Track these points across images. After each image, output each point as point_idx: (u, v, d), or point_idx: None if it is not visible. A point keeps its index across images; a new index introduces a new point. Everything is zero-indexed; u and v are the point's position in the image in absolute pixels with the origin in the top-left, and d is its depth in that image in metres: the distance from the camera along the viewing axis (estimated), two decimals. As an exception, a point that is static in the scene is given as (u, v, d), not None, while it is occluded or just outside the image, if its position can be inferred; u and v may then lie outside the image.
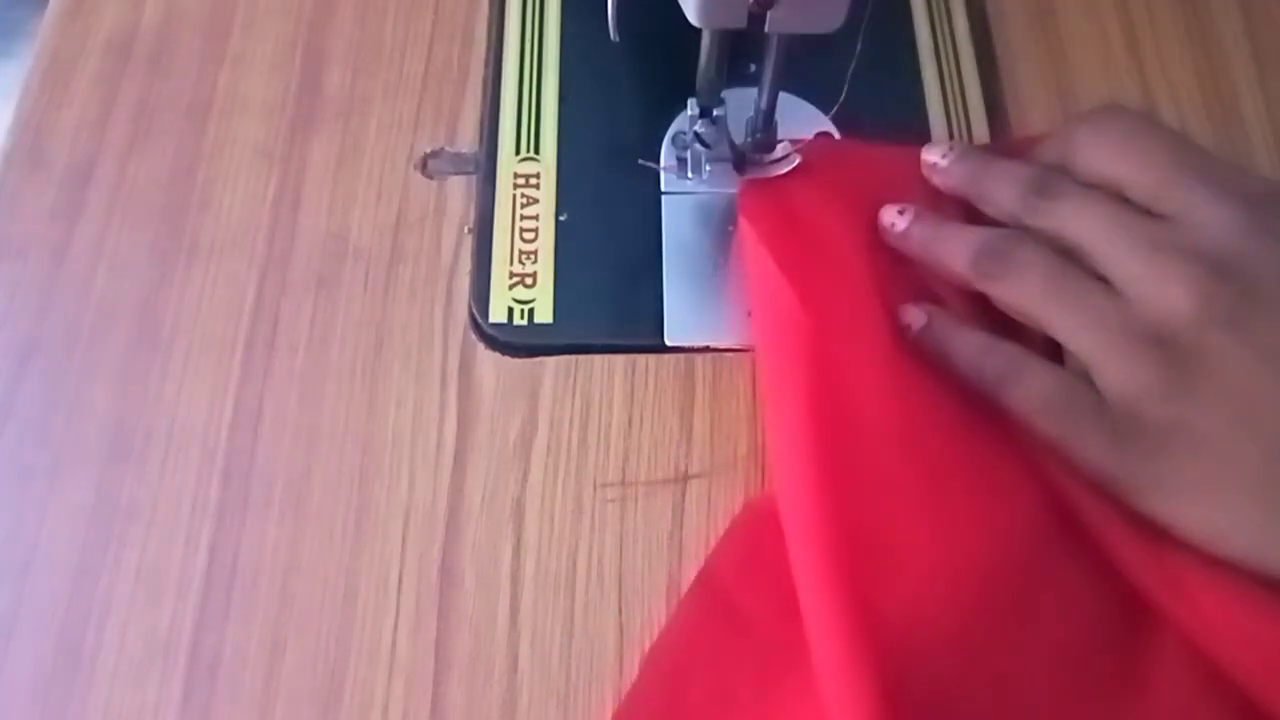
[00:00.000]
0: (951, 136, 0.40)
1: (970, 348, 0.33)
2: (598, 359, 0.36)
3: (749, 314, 0.35)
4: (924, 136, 0.40)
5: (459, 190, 0.40)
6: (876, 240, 0.35)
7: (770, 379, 0.34)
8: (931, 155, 0.36)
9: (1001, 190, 0.34)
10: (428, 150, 0.40)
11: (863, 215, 0.36)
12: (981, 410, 0.32)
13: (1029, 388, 0.31)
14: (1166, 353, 0.29)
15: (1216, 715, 0.29)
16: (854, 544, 0.30)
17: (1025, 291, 0.32)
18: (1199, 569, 0.29)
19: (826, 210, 0.36)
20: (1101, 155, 0.32)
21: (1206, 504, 0.29)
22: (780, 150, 0.37)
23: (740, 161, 0.37)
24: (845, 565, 0.29)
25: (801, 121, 0.39)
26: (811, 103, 0.40)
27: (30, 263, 0.38)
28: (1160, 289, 0.29)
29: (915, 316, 0.34)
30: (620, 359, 0.36)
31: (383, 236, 0.38)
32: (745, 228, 0.36)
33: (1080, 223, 0.31)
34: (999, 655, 0.29)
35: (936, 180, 0.36)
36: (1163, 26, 0.43)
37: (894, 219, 0.35)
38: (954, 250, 0.34)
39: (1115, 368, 0.30)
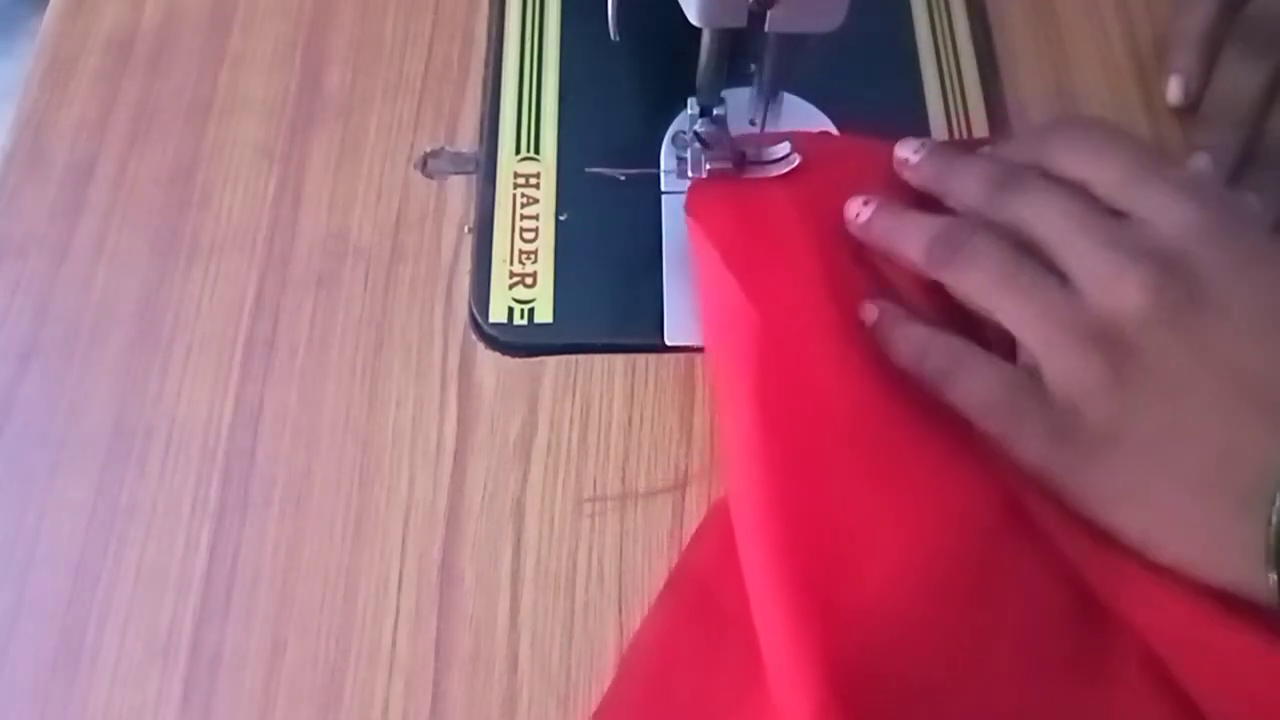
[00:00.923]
0: (951, 136, 0.40)
1: (911, 343, 0.33)
2: (598, 359, 0.36)
3: (699, 313, 0.35)
4: (923, 136, 0.40)
5: (459, 190, 0.40)
6: (836, 236, 0.35)
7: (720, 378, 0.34)
8: (904, 151, 0.36)
9: (967, 185, 0.34)
10: (428, 150, 0.40)
11: (825, 211, 0.36)
12: (938, 401, 0.32)
13: (970, 383, 0.31)
14: (1112, 350, 0.29)
15: (1173, 699, 0.29)
16: (807, 543, 0.30)
17: (977, 279, 0.32)
18: (1137, 565, 0.29)
19: (783, 206, 0.36)
20: (1071, 156, 0.32)
21: (1140, 509, 0.29)
22: (780, 149, 0.37)
23: (740, 161, 0.37)
24: (797, 564, 0.29)
25: (801, 121, 0.39)
26: (812, 102, 0.40)
27: (30, 262, 0.38)
28: (1111, 285, 0.29)
29: (869, 312, 0.34)
30: (620, 359, 0.36)
31: (383, 236, 0.38)
32: (692, 226, 0.36)
33: (1039, 215, 0.32)
34: (960, 642, 0.29)
35: (907, 176, 0.36)
36: (1163, 26, 0.43)
37: (858, 209, 0.35)
38: (911, 237, 0.34)
39: (1061, 362, 0.30)
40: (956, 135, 0.40)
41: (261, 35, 0.43)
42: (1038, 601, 0.31)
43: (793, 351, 0.33)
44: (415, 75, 0.42)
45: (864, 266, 0.35)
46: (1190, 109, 0.40)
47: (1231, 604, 0.28)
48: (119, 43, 0.43)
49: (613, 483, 0.34)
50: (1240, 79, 0.38)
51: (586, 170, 0.39)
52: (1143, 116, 0.41)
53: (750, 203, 0.36)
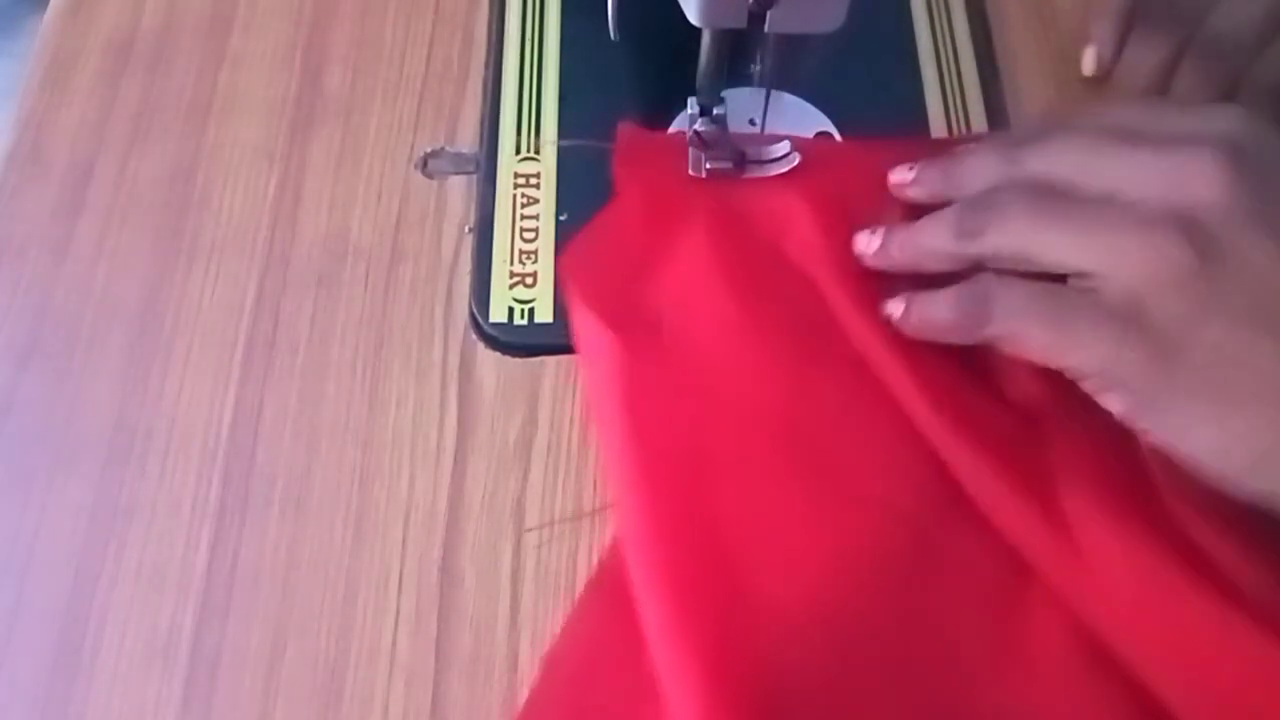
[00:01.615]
0: (951, 136, 0.40)
1: (947, 297, 0.31)
2: (598, 359, 0.36)
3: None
4: (923, 136, 0.40)
5: (459, 190, 0.40)
6: (756, 238, 0.36)
7: (593, 393, 0.34)
8: (898, 176, 0.35)
9: (978, 171, 0.33)
10: (428, 150, 0.40)
11: (769, 211, 0.36)
12: (861, 398, 0.32)
13: (1011, 298, 0.30)
14: (1193, 235, 0.27)
15: (1101, 687, 0.29)
16: (689, 544, 0.30)
17: (1016, 228, 0.30)
18: (1089, 545, 0.29)
19: (697, 209, 0.36)
20: (1076, 124, 0.32)
21: (1214, 411, 0.27)
22: (780, 149, 0.37)
23: (740, 161, 0.37)
24: (678, 566, 0.30)
25: (801, 121, 0.39)
26: (812, 103, 0.40)
27: (31, 262, 0.38)
28: (1183, 179, 0.28)
29: (894, 306, 0.33)
30: (620, 359, 0.36)
31: (383, 236, 0.39)
32: (564, 267, 0.36)
33: (1071, 152, 0.30)
34: (877, 635, 0.29)
35: (911, 194, 0.35)
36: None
37: (868, 240, 0.34)
38: (936, 231, 0.32)
39: (1131, 256, 0.28)
40: (957, 135, 0.40)
41: (261, 35, 0.43)
42: (964, 593, 0.31)
43: (664, 363, 0.33)
44: (415, 75, 0.42)
45: (787, 270, 0.35)
46: (1105, 81, 0.41)
47: (1184, 573, 0.28)
48: (119, 43, 0.43)
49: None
50: (1143, 54, 0.39)
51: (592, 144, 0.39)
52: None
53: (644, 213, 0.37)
